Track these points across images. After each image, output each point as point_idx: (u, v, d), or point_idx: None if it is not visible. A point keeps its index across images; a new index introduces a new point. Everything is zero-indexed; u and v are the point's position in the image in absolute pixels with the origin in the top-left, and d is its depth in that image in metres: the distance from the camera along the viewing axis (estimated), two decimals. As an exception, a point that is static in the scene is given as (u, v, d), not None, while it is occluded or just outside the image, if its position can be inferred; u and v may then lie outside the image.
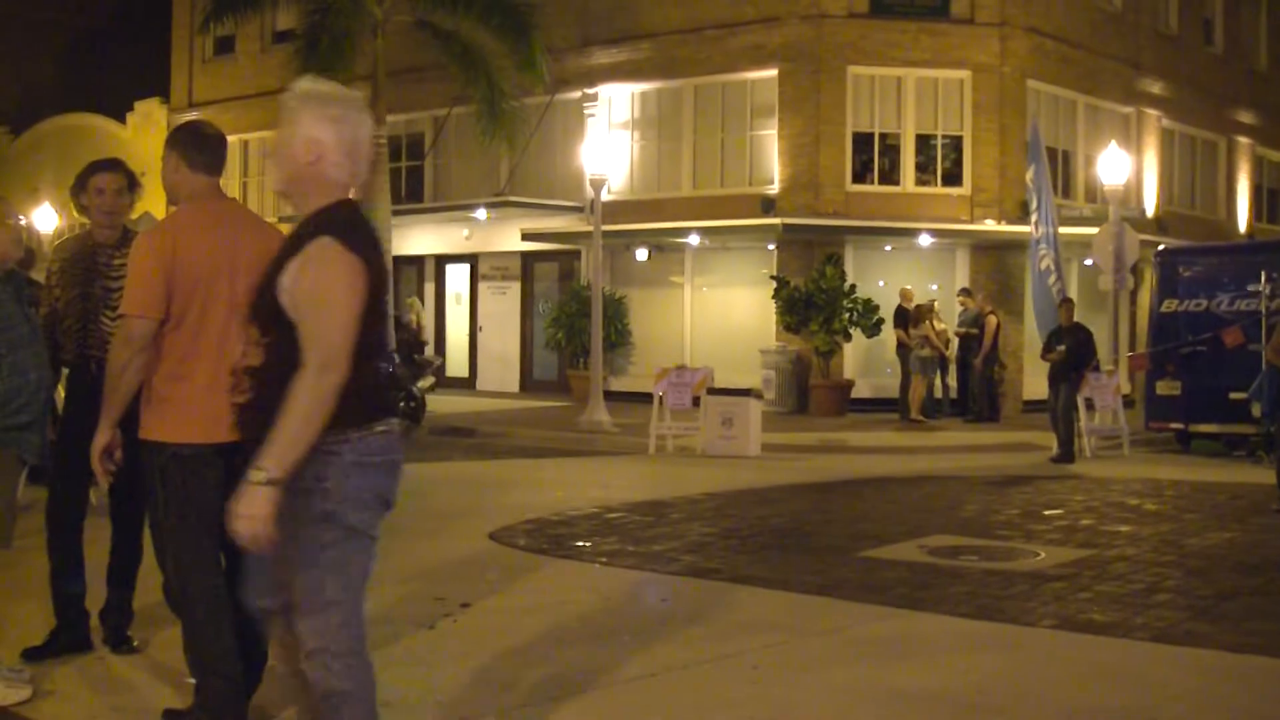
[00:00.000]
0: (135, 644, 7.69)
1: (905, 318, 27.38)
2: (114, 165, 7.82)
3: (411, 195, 36.86)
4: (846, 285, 28.40)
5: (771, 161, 30.64)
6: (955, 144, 30.52)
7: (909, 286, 28.19)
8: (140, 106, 45.99)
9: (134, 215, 8.49)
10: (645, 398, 23.02)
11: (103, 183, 7.67)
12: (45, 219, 41.36)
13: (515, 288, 35.60)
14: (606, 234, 26.89)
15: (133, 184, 7.81)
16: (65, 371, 7.74)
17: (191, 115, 42.26)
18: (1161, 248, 25.88)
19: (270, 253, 6.22)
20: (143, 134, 44.13)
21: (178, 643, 7.32)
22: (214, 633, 6.24)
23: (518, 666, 7.76)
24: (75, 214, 8.26)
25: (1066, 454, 20.57)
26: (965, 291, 28.55)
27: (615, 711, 6.97)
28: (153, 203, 30.27)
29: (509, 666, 7.75)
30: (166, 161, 6.53)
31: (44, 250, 22.53)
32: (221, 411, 6.19)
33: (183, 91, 44.47)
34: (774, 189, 30.33)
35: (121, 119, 46.30)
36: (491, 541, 12.20)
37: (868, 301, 28.34)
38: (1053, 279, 24.24)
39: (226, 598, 6.14)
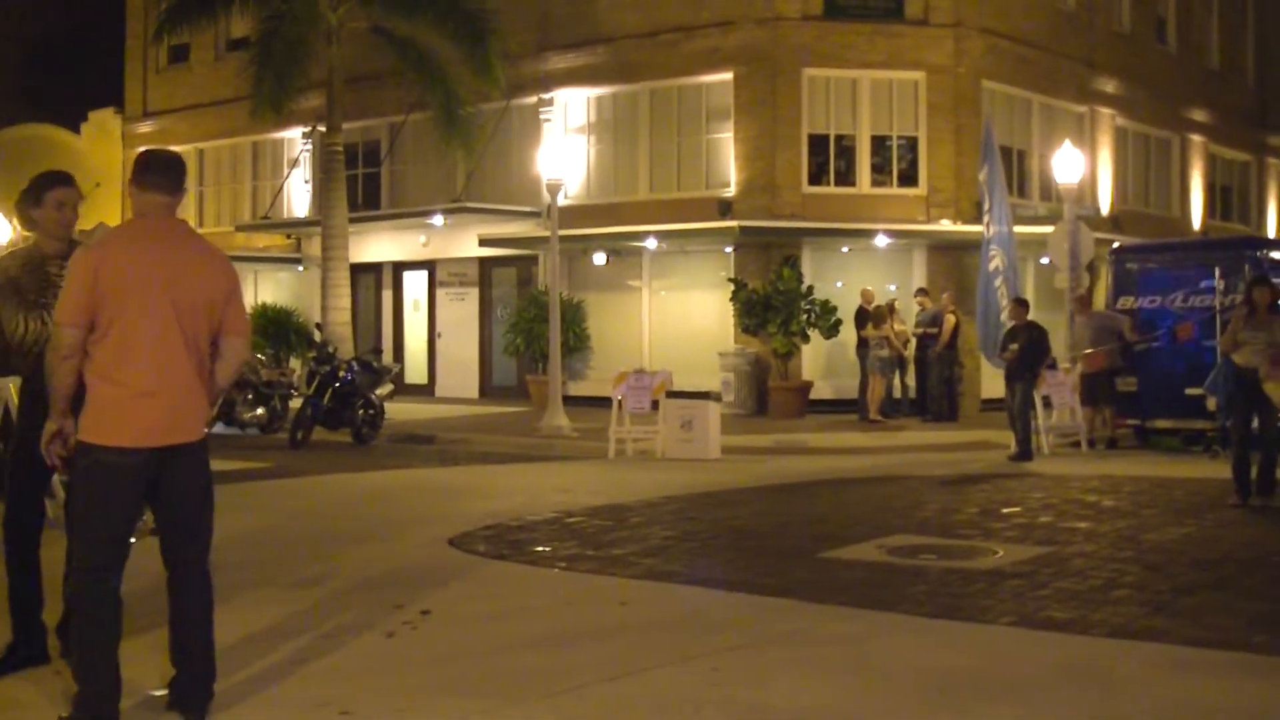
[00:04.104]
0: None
1: (865, 318, 27.42)
2: (69, 179, 7.81)
3: (368, 202, 36.78)
4: (804, 287, 28.43)
5: (728, 164, 30.67)
6: (911, 145, 30.61)
7: (869, 287, 28.22)
8: (94, 116, 45.78)
9: (89, 226, 8.46)
10: (604, 402, 23.02)
11: (63, 197, 7.68)
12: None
13: (473, 293, 35.54)
14: (564, 239, 26.86)
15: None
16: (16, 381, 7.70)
17: (146, 125, 42.31)
18: (1116, 245, 25.98)
19: (205, 269, 6.47)
20: (97, 144, 43.97)
21: (135, 655, 7.32)
22: (97, 635, 6.47)
23: (478, 672, 7.74)
24: (21, 228, 8.19)
25: (1024, 452, 20.63)
26: (923, 291, 28.63)
27: (576, 716, 6.95)
28: (107, 213, 30.18)
29: (469, 672, 7.74)
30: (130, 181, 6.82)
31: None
32: (151, 418, 6.36)
33: (137, 101, 44.27)
34: (731, 192, 30.37)
35: (76, 129, 46.04)
36: (451, 548, 12.16)
37: (825, 303, 28.37)
38: (999, 281, 24.30)
39: (114, 603, 6.49)
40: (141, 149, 7.32)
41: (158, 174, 6.75)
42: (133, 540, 6.70)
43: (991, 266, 24.36)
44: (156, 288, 6.50)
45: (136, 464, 6.46)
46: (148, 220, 6.71)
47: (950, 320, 27.48)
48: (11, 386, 7.68)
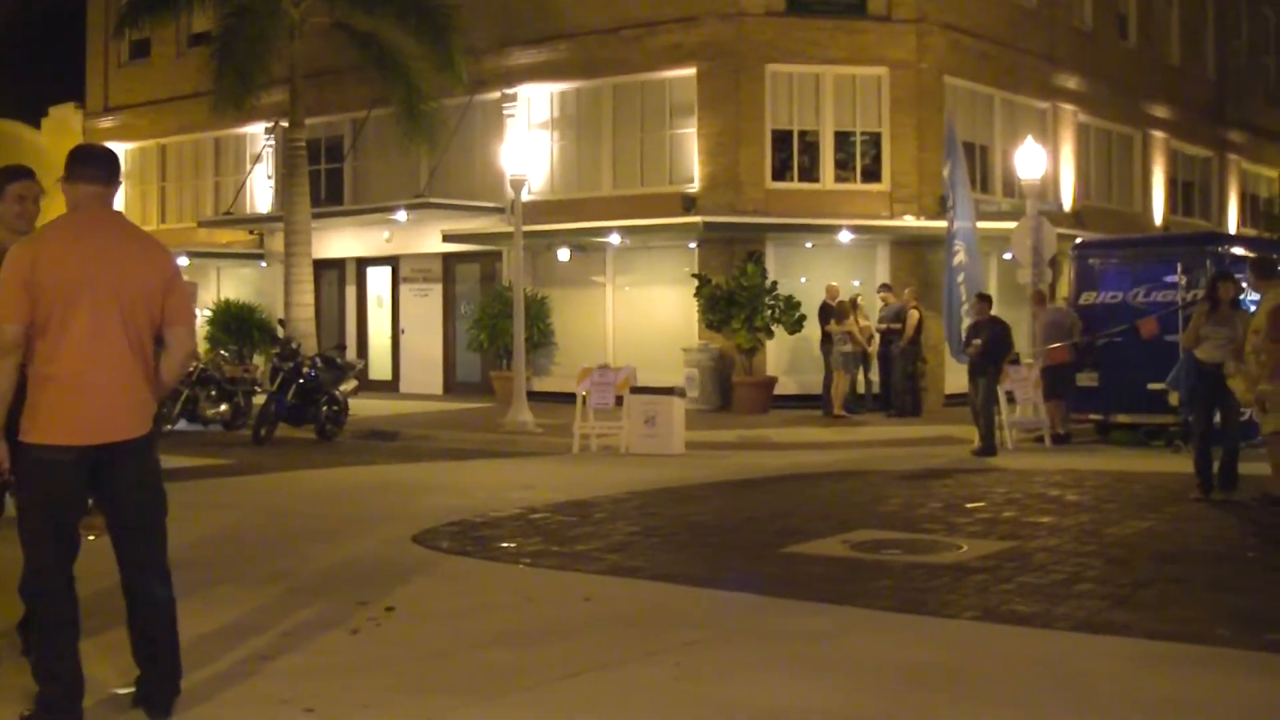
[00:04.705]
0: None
1: (829, 314, 27.44)
2: (30, 173, 7.77)
3: (331, 198, 36.67)
4: (768, 283, 28.46)
5: (691, 160, 30.68)
6: (874, 140, 30.65)
7: (834, 283, 28.24)
8: (55, 112, 45.56)
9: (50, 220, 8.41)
10: (569, 398, 23.02)
11: (25, 190, 7.67)
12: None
13: (437, 289, 35.48)
14: (528, 234, 26.81)
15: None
16: None
17: (107, 120, 42.15)
18: (1079, 241, 26.08)
19: (142, 259, 6.43)
20: (58, 139, 43.60)
21: (99, 653, 7.28)
22: (53, 633, 6.45)
23: (442, 669, 7.73)
24: None
25: (988, 447, 20.69)
26: (886, 287, 28.67)
27: (540, 712, 6.93)
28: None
29: (433, 669, 7.72)
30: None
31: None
32: (87, 415, 6.29)
33: (98, 96, 44.07)
34: (694, 187, 30.37)
35: (36, 124, 45.80)
36: (415, 544, 12.14)
37: (789, 298, 28.40)
38: (961, 277, 24.35)
39: (69, 601, 6.48)
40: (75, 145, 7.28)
41: (88, 165, 6.68)
42: (90, 538, 6.66)
43: (955, 262, 24.41)
44: (92, 280, 6.41)
45: (72, 461, 6.38)
46: (81, 213, 6.63)
47: (914, 316, 27.53)
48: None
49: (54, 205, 6.66)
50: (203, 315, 35.29)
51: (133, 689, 6.80)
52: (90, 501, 6.65)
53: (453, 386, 34.87)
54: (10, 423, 6.45)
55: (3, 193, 7.64)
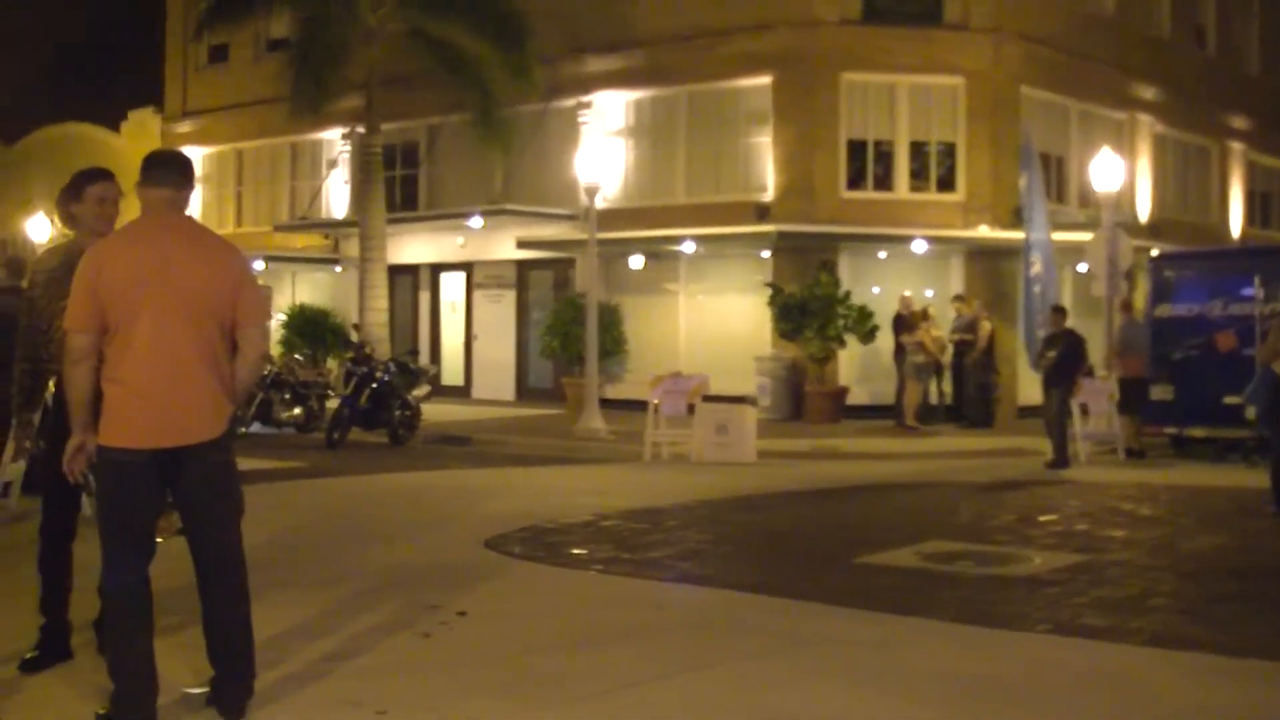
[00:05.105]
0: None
1: (903, 324, 27.36)
2: (110, 175, 7.79)
3: (406, 203, 36.85)
4: (841, 292, 28.38)
5: (765, 168, 30.64)
6: (949, 150, 30.53)
7: (908, 293, 28.14)
8: (134, 116, 45.94)
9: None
10: (640, 405, 23.02)
11: (104, 192, 7.66)
12: (39, 229, 41.27)
13: (510, 296, 35.56)
14: (601, 242, 26.85)
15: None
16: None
17: (185, 124, 42.52)
18: (1155, 253, 25.89)
19: (210, 262, 6.57)
20: (137, 143, 44.00)
21: (173, 652, 7.36)
22: (127, 631, 6.49)
23: (511, 673, 7.76)
24: (61, 225, 8.21)
25: (1061, 459, 20.57)
26: (960, 298, 28.54)
27: (608, 718, 6.96)
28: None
29: (503, 673, 7.75)
30: None
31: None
32: (155, 419, 6.36)
33: (176, 100, 44.45)
34: (768, 196, 30.33)
35: (116, 128, 46.23)
36: (487, 549, 12.18)
37: (862, 308, 28.31)
38: (1039, 288, 24.23)
39: (144, 600, 6.53)
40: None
41: (160, 169, 6.72)
42: (159, 540, 6.72)
43: (1032, 273, 24.28)
44: (156, 284, 6.44)
45: (142, 463, 6.43)
46: (150, 217, 6.68)
47: (985, 327, 27.42)
48: (51, 385, 7.67)
49: (133, 209, 6.72)
50: (277, 319, 35.51)
51: (206, 689, 6.85)
52: (169, 501, 6.70)
53: (525, 393, 34.93)
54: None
55: (82, 195, 7.65)
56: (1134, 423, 22.83)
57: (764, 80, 30.61)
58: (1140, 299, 26.55)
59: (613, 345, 31.50)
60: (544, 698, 7.23)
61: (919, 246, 29.57)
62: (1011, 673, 7.92)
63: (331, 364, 32.40)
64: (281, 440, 24.17)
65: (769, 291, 29.08)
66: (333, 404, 24.77)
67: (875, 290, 29.83)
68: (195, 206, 6.67)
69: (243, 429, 23.14)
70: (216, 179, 42.80)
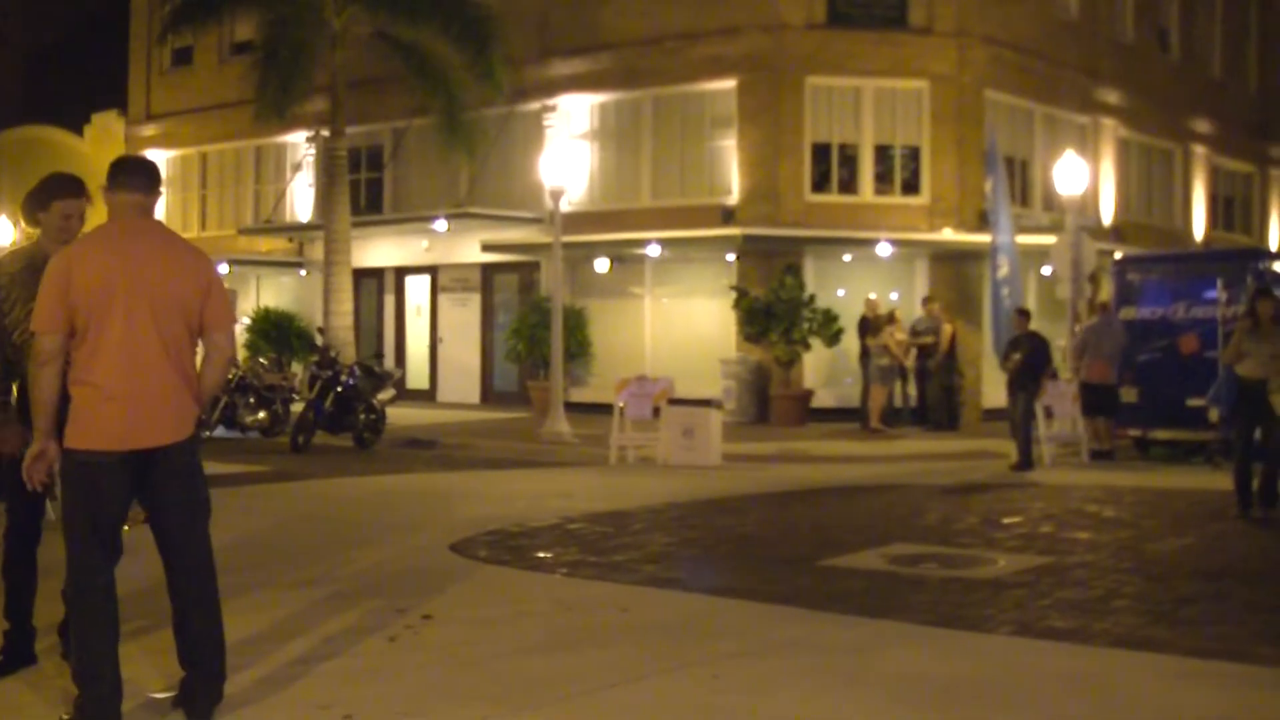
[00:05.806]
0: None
1: (868, 327, 27.40)
2: (79, 189, 7.71)
3: (371, 206, 36.76)
4: (806, 295, 28.44)
5: (731, 172, 30.67)
6: (913, 154, 30.61)
7: (873, 296, 28.19)
8: (98, 119, 45.75)
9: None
10: (606, 408, 23.03)
11: (71, 209, 7.61)
12: (2, 231, 41.02)
13: (475, 299, 35.53)
14: (566, 245, 26.84)
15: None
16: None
17: (149, 128, 42.35)
18: (1119, 256, 25.98)
19: (179, 266, 6.59)
20: (101, 146, 43.85)
21: (137, 656, 7.32)
22: (92, 634, 6.47)
23: (479, 677, 7.74)
24: (25, 224, 8.17)
25: (1026, 462, 20.63)
26: (930, 300, 28.56)
27: (577, 721, 6.96)
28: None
29: (470, 677, 7.74)
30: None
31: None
32: (124, 421, 6.36)
33: (140, 103, 44.26)
34: (733, 199, 30.37)
35: (79, 131, 46.02)
36: (453, 553, 12.17)
37: (827, 311, 28.38)
38: (1006, 290, 24.31)
39: (109, 603, 6.52)
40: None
41: (128, 175, 6.74)
42: (125, 528, 6.70)
43: (1000, 276, 24.35)
44: (125, 288, 6.47)
45: (112, 465, 6.45)
46: (119, 221, 6.69)
47: (948, 329, 27.49)
48: (15, 389, 7.62)
49: (99, 213, 6.71)
50: (242, 323, 35.41)
51: (173, 693, 6.84)
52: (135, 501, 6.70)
53: (490, 396, 34.91)
54: (59, 427, 6.54)
55: (49, 207, 7.63)
56: (1105, 425, 22.89)
57: (729, 84, 30.65)
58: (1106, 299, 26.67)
59: (578, 348, 31.50)
60: (511, 701, 7.22)
61: (884, 250, 29.64)
62: (982, 675, 7.94)
63: (296, 367, 32.30)
64: (246, 444, 24.09)
65: (734, 295, 29.12)
66: (298, 408, 24.70)
67: (840, 293, 29.91)
68: (160, 210, 6.63)
69: (207, 432, 23.05)
70: (181, 182, 42.62)
